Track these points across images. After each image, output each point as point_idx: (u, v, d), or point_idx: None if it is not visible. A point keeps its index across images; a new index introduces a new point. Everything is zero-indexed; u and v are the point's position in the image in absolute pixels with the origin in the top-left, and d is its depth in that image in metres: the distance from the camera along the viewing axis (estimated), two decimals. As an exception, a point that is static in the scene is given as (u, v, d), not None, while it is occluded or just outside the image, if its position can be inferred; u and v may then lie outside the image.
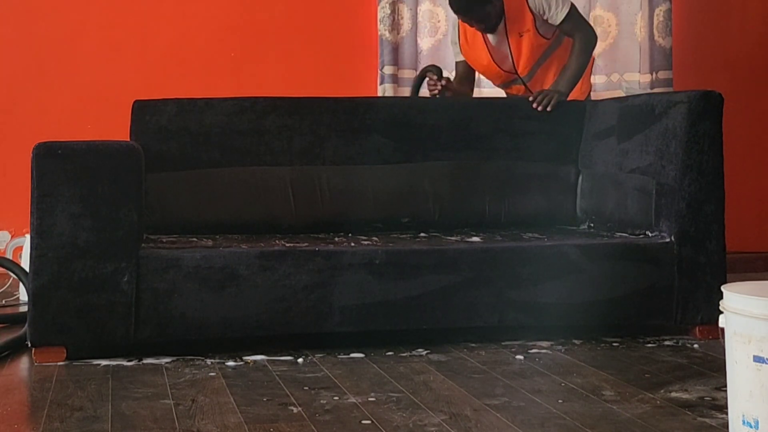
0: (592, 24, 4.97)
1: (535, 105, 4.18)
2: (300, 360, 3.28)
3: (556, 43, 4.45)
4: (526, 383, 2.95)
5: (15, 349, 3.37)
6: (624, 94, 5.17)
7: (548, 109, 4.16)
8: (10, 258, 4.74)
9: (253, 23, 5.19)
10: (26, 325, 3.26)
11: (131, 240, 3.28)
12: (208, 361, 3.25)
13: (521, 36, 4.38)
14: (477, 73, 4.73)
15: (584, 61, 4.36)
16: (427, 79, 4.44)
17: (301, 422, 2.55)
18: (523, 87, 4.54)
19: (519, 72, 4.46)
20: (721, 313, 2.29)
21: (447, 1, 4.36)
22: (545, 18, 4.33)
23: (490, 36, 4.42)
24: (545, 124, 4.19)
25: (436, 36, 5.24)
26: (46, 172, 3.22)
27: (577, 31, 4.36)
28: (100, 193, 3.25)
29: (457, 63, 4.66)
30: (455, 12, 4.35)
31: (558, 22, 4.33)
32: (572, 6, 4.36)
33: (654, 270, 3.58)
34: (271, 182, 3.95)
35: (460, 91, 4.54)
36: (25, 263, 4.08)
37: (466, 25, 4.43)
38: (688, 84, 5.16)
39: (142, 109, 3.91)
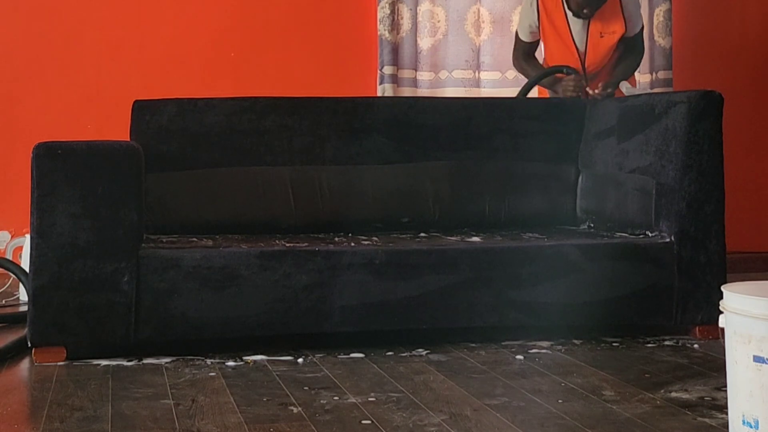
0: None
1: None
2: (300, 360, 3.27)
3: None
4: (526, 383, 2.95)
5: (18, 351, 3.36)
6: (624, 94, 5.17)
7: (596, 92, 4.47)
8: (10, 258, 4.74)
9: (253, 23, 5.19)
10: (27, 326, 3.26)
11: (131, 240, 3.28)
12: (208, 361, 3.25)
13: (602, 36, 4.52)
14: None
15: (630, 74, 4.64)
16: (570, 80, 4.48)
17: (301, 422, 2.55)
18: None
19: (588, 68, 4.56)
20: (721, 313, 2.29)
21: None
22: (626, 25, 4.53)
23: (571, 22, 4.53)
24: (545, 124, 4.19)
25: (436, 36, 5.23)
26: (46, 172, 3.22)
27: (636, 52, 4.60)
28: (100, 193, 3.25)
29: (525, 43, 4.73)
30: None
31: (632, 34, 4.54)
32: (643, 25, 4.61)
33: (654, 270, 3.58)
34: (271, 182, 3.95)
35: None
36: (25, 263, 4.08)
37: (549, 7, 4.55)
38: (688, 84, 5.16)
39: (142, 109, 3.91)
